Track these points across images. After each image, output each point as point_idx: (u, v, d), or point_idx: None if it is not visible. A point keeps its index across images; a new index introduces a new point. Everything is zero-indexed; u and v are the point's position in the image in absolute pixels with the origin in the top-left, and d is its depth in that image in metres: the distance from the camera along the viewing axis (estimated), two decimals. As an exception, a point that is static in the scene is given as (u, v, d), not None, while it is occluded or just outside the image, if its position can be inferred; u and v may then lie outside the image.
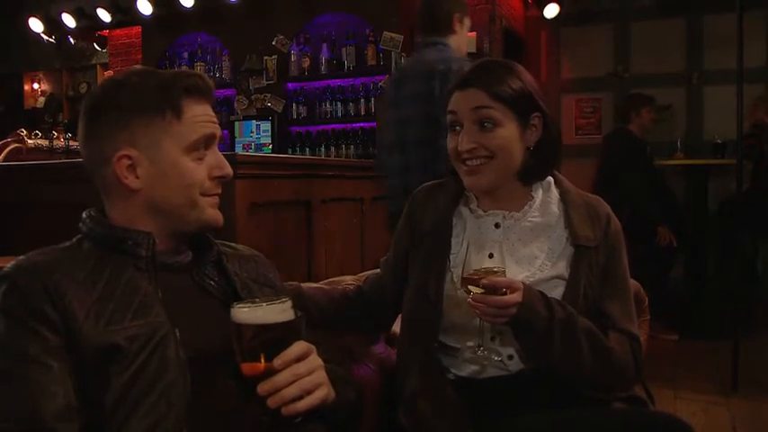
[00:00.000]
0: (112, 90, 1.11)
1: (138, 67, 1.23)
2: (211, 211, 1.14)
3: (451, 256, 1.39)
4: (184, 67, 5.62)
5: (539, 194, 1.41)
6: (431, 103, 2.44)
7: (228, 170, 1.15)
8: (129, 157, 1.08)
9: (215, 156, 1.14)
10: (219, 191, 1.15)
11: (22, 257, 1.03)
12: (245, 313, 0.97)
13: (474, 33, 4.72)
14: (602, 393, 1.34)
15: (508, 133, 1.34)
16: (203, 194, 1.12)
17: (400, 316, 1.49)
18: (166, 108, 1.08)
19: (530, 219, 1.38)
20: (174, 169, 1.09)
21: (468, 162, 1.35)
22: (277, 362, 0.96)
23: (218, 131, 1.15)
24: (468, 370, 1.36)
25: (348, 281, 1.65)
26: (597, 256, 1.35)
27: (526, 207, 1.39)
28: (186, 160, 1.10)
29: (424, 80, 2.49)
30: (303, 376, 0.98)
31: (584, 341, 1.28)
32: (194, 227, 1.13)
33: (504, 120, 1.33)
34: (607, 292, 1.36)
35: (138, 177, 1.09)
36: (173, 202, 1.10)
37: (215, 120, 1.15)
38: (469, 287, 1.23)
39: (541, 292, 1.27)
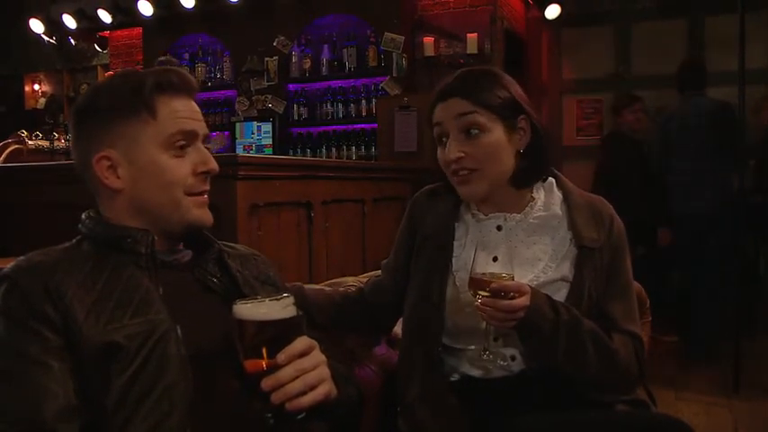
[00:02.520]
0: (92, 95, 1.13)
1: (123, 69, 1.24)
2: (197, 212, 1.13)
3: (454, 260, 1.38)
4: (185, 68, 5.61)
5: (540, 195, 1.40)
6: (717, 134, 3.79)
7: (213, 165, 1.14)
8: (108, 158, 1.09)
9: (198, 151, 1.13)
10: (207, 188, 1.14)
11: (22, 258, 1.03)
12: (248, 309, 0.97)
13: (475, 34, 4.73)
14: (605, 395, 1.34)
15: (495, 138, 1.33)
16: (188, 193, 1.11)
17: (401, 319, 1.48)
18: (141, 108, 1.09)
19: (531, 219, 1.37)
20: (152, 167, 1.09)
21: (460, 173, 1.35)
22: (281, 357, 0.95)
23: (201, 128, 1.14)
24: (472, 370, 1.35)
25: (350, 282, 1.65)
26: (601, 257, 1.35)
27: (527, 208, 1.39)
28: (164, 157, 1.09)
29: (713, 118, 3.83)
30: (307, 371, 0.97)
31: (589, 343, 1.27)
32: (179, 227, 1.13)
33: (490, 124, 1.32)
34: (610, 292, 1.35)
35: (118, 177, 1.09)
36: (155, 202, 1.10)
37: (197, 116, 1.14)
38: (477, 291, 1.22)
39: (547, 295, 1.26)
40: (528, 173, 1.37)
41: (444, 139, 1.36)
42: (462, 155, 1.32)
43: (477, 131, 1.32)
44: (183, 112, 1.11)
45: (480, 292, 1.21)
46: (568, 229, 1.36)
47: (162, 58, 4.06)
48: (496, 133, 1.33)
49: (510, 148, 1.35)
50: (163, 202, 1.10)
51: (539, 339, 1.25)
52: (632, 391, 1.40)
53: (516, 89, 1.37)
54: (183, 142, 1.11)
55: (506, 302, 1.19)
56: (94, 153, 1.09)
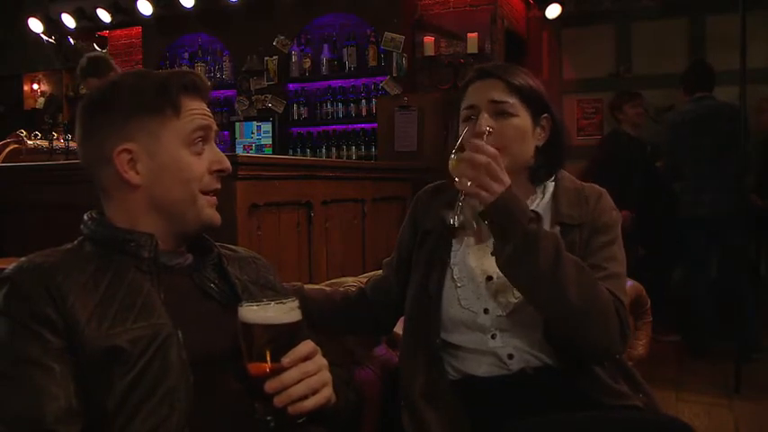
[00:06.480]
0: (110, 91, 1.12)
1: (131, 69, 1.25)
2: (209, 211, 1.14)
3: (452, 253, 1.40)
4: (185, 68, 5.62)
5: (540, 190, 1.43)
6: (731, 135, 3.66)
7: (227, 164, 1.15)
8: (129, 152, 1.09)
9: (213, 150, 1.15)
10: (219, 186, 1.16)
11: (23, 259, 1.03)
12: (254, 312, 0.97)
13: (476, 34, 4.72)
14: (590, 349, 1.29)
15: (523, 123, 1.36)
16: (203, 191, 1.13)
17: (402, 318, 1.48)
18: (166, 106, 1.10)
19: None
20: (173, 163, 1.10)
21: None
22: (286, 360, 0.96)
23: (214, 124, 1.16)
24: (469, 367, 1.35)
25: (349, 282, 1.65)
26: (581, 233, 1.35)
27: (527, 202, 1.39)
28: (185, 154, 1.11)
29: (727, 120, 3.78)
30: (311, 375, 0.98)
31: (571, 264, 1.22)
32: (193, 226, 1.13)
33: (520, 111, 1.36)
34: (588, 262, 1.31)
35: (137, 173, 1.09)
36: (172, 198, 1.10)
37: (210, 114, 1.16)
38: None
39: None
40: (542, 169, 1.41)
41: (473, 118, 1.36)
42: (491, 130, 1.32)
43: (507, 114, 1.35)
44: (199, 110, 1.13)
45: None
46: (552, 214, 1.38)
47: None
48: (524, 119, 1.37)
49: (532, 139, 1.38)
50: (180, 199, 1.11)
51: (515, 228, 1.20)
52: (614, 349, 1.31)
53: (543, 89, 1.41)
54: (201, 138, 1.12)
55: (484, 159, 1.19)
56: (114, 146, 1.08)
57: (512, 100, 1.35)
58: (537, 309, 1.27)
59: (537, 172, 1.40)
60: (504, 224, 1.21)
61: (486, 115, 1.33)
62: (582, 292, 1.21)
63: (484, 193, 1.20)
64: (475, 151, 1.21)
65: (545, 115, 1.39)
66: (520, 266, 1.22)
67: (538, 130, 1.39)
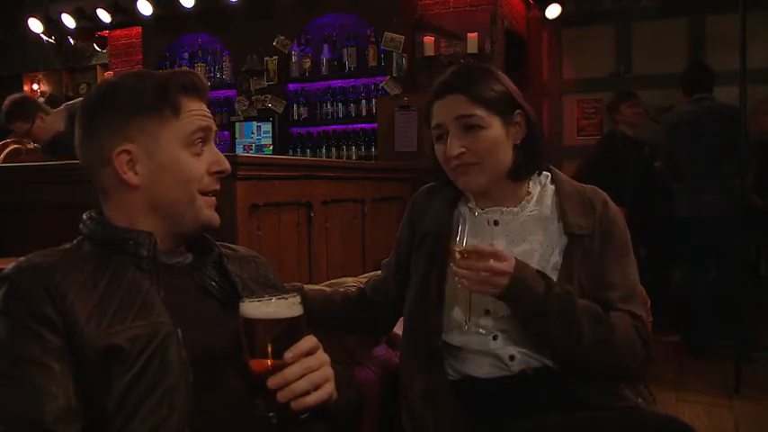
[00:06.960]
0: (109, 92, 1.12)
1: (131, 70, 1.25)
2: (208, 212, 1.14)
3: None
4: (184, 68, 5.62)
5: (536, 189, 1.42)
6: (730, 136, 3.64)
7: (227, 165, 1.15)
8: (128, 152, 1.08)
9: (213, 151, 1.15)
10: (218, 187, 1.16)
11: (22, 259, 1.03)
12: (256, 308, 0.97)
13: (476, 34, 4.72)
14: (611, 376, 1.32)
15: (494, 134, 1.34)
16: (202, 192, 1.12)
17: (402, 319, 1.48)
18: (165, 106, 1.09)
19: (527, 213, 1.39)
20: (173, 164, 1.10)
21: (460, 167, 1.36)
22: (288, 355, 0.95)
23: (213, 125, 1.16)
24: (470, 368, 1.35)
25: (349, 282, 1.65)
26: (591, 243, 1.35)
27: (524, 202, 1.40)
28: (185, 155, 1.11)
29: (726, 121, 3.78)
30: (313, 370, 0.98)
31: (583, 314, 1.26)
32: (191, 227, 1.13)
33: (489, 120, 1.34)
34: (605, 277, 1.34)
35: (136, 174, 1.09)
36: (171, 198, 1.10)
37: (210, 115, 1.16)
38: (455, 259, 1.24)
39: (539, 270, 1.27)
40: (524, 166, 1.39)
41: (444, 137, 1.37)
42: (463, 150, 1.34)
43: (476, 128, 1.33)
44: (199, 110, 1.14)
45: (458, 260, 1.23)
46: (559, 220, 1.37)
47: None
48: (495, 128, 1.35)
49: (508, 142, 1.37)
50: (179, 199, 1.11)
51: (528, 308, 1.25)
52: (638, 372, 1.36)
53: (510, 83, 1.39)
54: (200, 139, 1.12)
55: (482, 264, 1.20)
56: (114, 147, 1.08)
57: (478, 111, 1.33)
58: (554, 354, 1.31)
59: (518, 169, 1.38)
60: (516, 303, 1.26)
61: (454, 139, 1.34)
62: (597, 343, 1.27)
63: (492, 291, 1.24)
64: (473, 257, 1.22)
65: (517, 111, 1.37)
66: (533, 328, 1.29)
67: (513, 128, 1.37)
